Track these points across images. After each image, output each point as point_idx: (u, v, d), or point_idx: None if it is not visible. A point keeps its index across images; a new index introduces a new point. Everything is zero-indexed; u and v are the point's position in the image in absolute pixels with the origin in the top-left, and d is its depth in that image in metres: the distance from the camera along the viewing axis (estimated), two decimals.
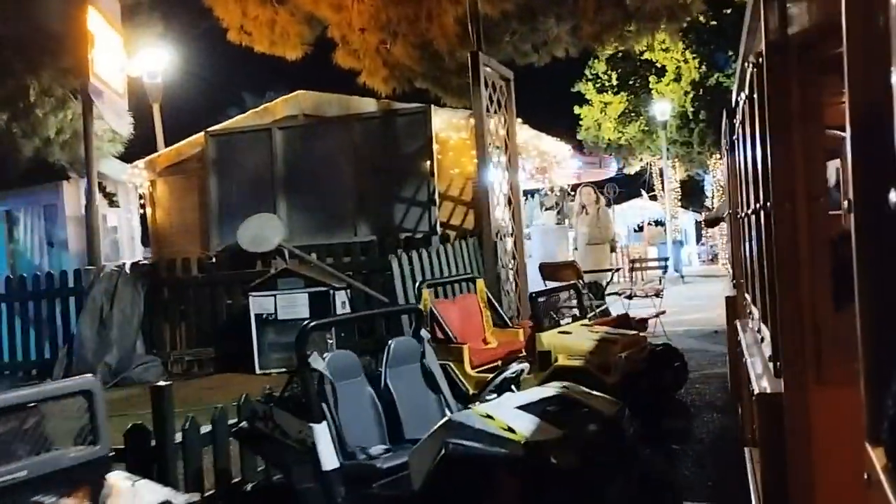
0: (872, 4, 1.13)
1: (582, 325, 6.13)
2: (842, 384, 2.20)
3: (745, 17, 3.21)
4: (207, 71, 24.63)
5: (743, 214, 4.20)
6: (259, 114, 11.88)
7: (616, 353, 5.54)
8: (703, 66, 32.47)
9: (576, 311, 6.59)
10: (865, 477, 1.20)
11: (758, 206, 3.15)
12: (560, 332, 5.84)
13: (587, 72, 34.89)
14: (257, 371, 10.42)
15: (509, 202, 10.04)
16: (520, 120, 11.74)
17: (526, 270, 10.20)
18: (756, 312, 3.84)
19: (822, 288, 2.60)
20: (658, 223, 33.59)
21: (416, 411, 4.10)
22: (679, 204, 34.75)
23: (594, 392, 3.89)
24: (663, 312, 10.08)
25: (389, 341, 4.30)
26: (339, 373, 3.92)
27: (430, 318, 6.03)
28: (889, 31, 1.05)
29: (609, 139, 33.92)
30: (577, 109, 34.70)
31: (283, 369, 9.83)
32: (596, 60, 34.45)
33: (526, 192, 19.00)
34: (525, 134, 12.11)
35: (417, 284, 6.37)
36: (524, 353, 5.96)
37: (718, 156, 31.93)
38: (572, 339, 5.75)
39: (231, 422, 4.44)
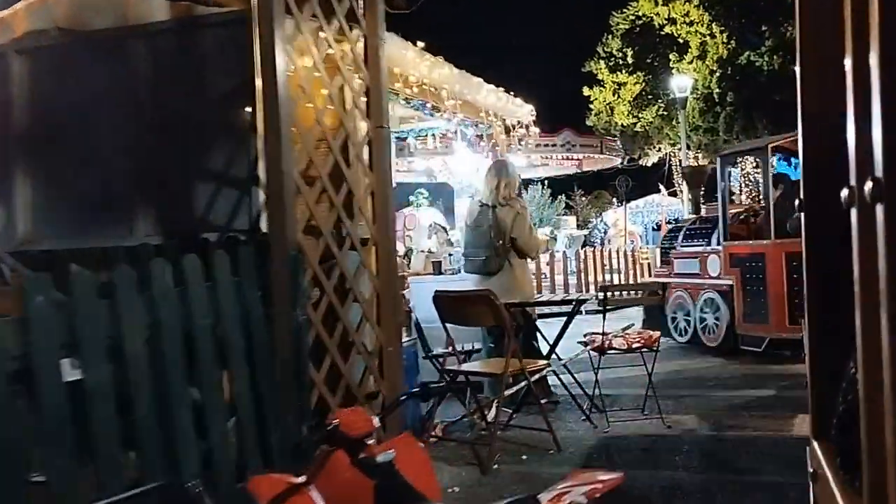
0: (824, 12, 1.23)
1: None
2: None
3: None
4: None
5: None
6: None
7: None
8: (732, 42, 28.18)
9: None
10: (810, 471, 1.30)
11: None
12: None
13: (600, 49, 31.06)
14: None
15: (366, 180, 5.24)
16: (422, 44, 6.92)
17: (401, 309, 5.36)
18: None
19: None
20: (677, 222, 29.26)
21: None
22: (701, 200, 30.28)
23: None
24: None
25: None
26: None
27: None
28: (842, 42, 1.06)
29: (623, 125, 29.50)
30: (586, 91, 30.56)
31: None
32: (610, 36, 30.76)
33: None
34: (438, 73, 7.27)
35: None
36: None
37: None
38: None
39: None
